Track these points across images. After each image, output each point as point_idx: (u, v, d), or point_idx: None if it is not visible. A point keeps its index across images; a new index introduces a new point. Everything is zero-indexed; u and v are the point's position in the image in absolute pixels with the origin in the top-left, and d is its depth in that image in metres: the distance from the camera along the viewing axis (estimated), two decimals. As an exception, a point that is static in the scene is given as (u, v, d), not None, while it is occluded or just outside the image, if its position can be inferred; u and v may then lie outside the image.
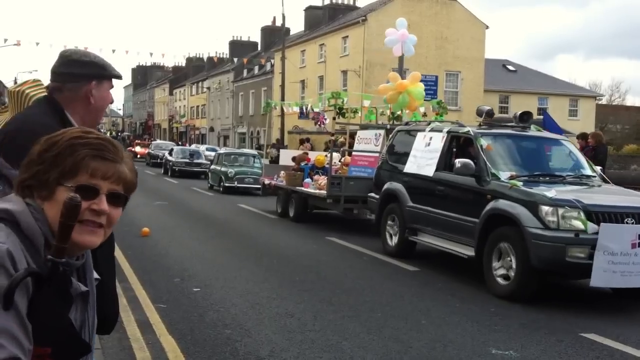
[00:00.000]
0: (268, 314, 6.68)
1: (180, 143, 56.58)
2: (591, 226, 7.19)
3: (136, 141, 60.81)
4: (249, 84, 59.59)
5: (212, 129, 69.87)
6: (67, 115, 2.39)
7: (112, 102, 2.61)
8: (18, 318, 1.34)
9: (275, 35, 57.76)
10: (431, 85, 27.04)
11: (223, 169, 23.24)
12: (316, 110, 19.35)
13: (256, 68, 58.57)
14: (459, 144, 9.64)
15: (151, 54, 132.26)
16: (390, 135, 11.86)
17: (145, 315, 6.42)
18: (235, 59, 55.36)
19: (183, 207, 17.52)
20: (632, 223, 7.34)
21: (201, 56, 78.29)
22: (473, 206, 8.51)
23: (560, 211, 7.32)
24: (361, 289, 8.10)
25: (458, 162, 8.64)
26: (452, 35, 39.99)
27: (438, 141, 9.75)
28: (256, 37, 67.84)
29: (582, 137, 13.04)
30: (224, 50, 73.00)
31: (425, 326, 6.48)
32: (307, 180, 14.62)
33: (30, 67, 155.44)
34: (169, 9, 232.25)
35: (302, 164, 15.75)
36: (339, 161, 14.85)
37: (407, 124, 12.14)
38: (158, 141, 55.31)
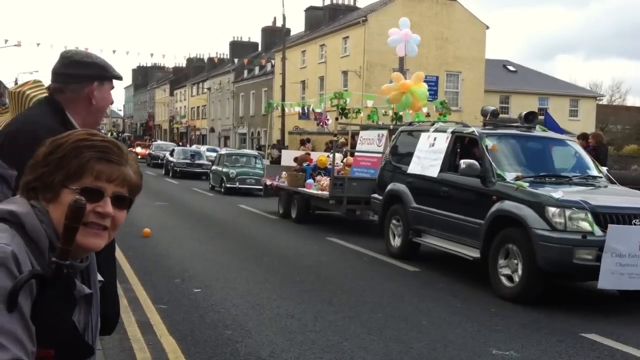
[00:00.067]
0: (269, 314, 6.68)
1: (180, 144, 56.55)
2: (598, 228, 7.13)
3: (137, 142, 60.85)
4: (249, 85, 59.60)
5: (212, 130, 69.87)
6: (68, 116, 2.39)
7: (112, 103, 2.62)
8: (22, 320, 1.34)
9: (275, 36, 57.76)
10: (432, 86, 27.06)
11: (224, 169, 23.22)
12: (318, 110, 19.35)
13: (257, 68, 58.60)
14: (463, 145, 9.57)
15: (152, 55, 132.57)
16: (394, 136, 11.79)
17: (146, 316, 6.42)
18: (236, 60, 55.42)
19: (184, 208, 17.53)
20: None
21: (202, 57, 78.35)
22: (478, 207, 8.43)
23: (568, 212, 7.25)
24: (362, 289, 8.09)
25: (463, 162, 8.56)
26: (453, 36, 40.00)
27: (442, 142, 9.67)
28: (257, 38, 67.94)
29: (583, 137, 13.02)
30: (224, 51, 73.09)
31: (425, 327, 6.48)
32: (309, 181, 14.57)
33: (31, 67, 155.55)
34: (169, 9, 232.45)
35: (304, 164, 15.69)
36: (341, 162, 14.81)
37: (410, 124, 12.09)
38: (159, 142, 55.34)
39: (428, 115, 15.93)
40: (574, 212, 7.26)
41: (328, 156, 14.99)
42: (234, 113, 63.17)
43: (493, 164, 8.43)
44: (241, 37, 70.17)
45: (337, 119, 15.01)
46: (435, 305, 7.44)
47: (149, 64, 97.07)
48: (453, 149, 9.54)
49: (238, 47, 67.34)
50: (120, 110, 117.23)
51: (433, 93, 26.70)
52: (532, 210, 7.55)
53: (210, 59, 69.43)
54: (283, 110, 31.30)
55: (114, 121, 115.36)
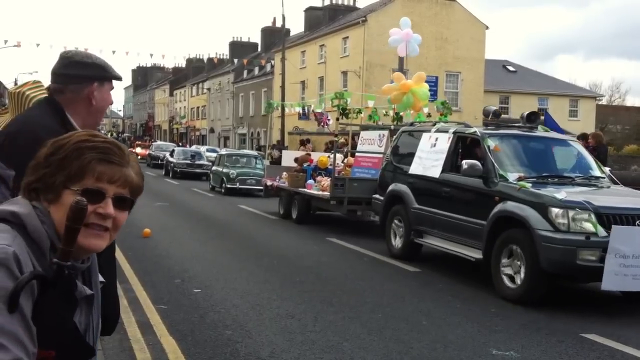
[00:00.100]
0: (269, 314, 6.68)
1: (180, 144, 56.58)
2: (602, 229, 7.08)
3: (137, 142, 60.88)
4: (249, 85, 59.62)
5: (212, 130, 69.89)
6: (68, 116, 2.39)
7: (112, 103, 2.62)
8: (23, 321, 1.34)
9: (275, 36, 57.77)
10: (431, 86, 26.95)
11: (225, 170, 23.19)
12: (318, 111, 19.32)
13: (256, 69, 58.60)
14: (465, 145, 9.53)
15: (151, 55, 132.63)
16: (395, 136, 11.74)
17: (146, 316, 6.42)
18: (236, 60, 55.38)
19: (184, 208, 17.54)
20: None
21: (201, 57, 78.35)
22: (480, 208, 8.39)
23: (571, 213, 7.20)
24: (362, 289, 8.09)
25: (465, 163, 8.51)
26: (452, 36, 40.01)
27: (444, 142, 9.62)
28: (256, 38, 67.93)
29: (582, 137, 13.02)
30: (224, 51, 73.01)
31: (426, 327, 6.48)
32: (310, 181, 14.53)
33: (30, 68, 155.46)
34: (169, 9, 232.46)
35: (305, 165, 15.66)
36: (342, 162, 14.78)
37: (411, 124, 12.06)
38: (158, 142, 55.35)
39: (429, 115, 15.90)
40: (577, 212, 7.21)
41: (329, 156, 14.97)
42: (233, 113, 63.19)
43: (495, 164, 8.37)
44: (241, 38, 70.21)
45: (338, 119, 14.99)
46: (436, 305, 7.44)
47: (149, 65, 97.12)
48: (455, 150, 9.49)
49: (238, 48, 67.35)
50: (120, 110, 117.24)
51: (433, 93, 26.61)
52: (535, 211, 7.50)
53: (210, 60, 69.43)
54: (283, 110, 31.31)
55: (113, 121, 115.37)
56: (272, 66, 52.06)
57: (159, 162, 37.97)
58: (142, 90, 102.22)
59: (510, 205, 7.88)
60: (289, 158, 17.55)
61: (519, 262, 7.66)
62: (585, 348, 6.02)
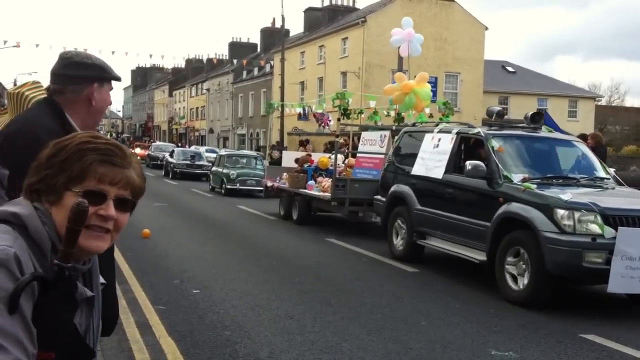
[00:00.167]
0: (268, 315, 6.68)
1: (179, 144, 56.57)
2: (608, 230, 7.01)
3: (136, 143, 60.88)
4: (248, 86, 59.61)
5: (211, 131, 69.88)
6: (67, 117, 2.39)
7: (111, 104, 2.62)
8: (23, 322, 1.34)
9: (274, 37, 57.78)
10: (431, 87, 27.01)
11: (225, 170, 23.15)
12: (319, 111, 19.31)
13: (255, 69, 58.60)
14: (468, 146, 9.44)
15: (150, 56, 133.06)
16: (397, 137, 11.65)
17: (144, 316, 6.42)
18: (235, 61, 55.37)
19: (183, 209, 17.54)
20: None
21: (200, 58, 78.38)
22: (484, 209, 8.31)
23: (577, 215, 7.11)
24: (361, 290, 8.09)
25: (469, 164, 8.42)
26: (452, 37, 40.02)
27: (447, 143, 9.54)
28: (256, 39, 67.95)
29: (582, 138, 13.01)
30: (223, 52, 73.16)
31: (424, 327, 6.48)
32: (311, 182, 14.46)
33: (30, 68, 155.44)
34: (168, 10, 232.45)
35: (305, 165, 15.60)
36: (343, 163, 14.73)
37: (414, 124, 12.01)
38: (158, 143, 55.37)
39: (431, 115, 15.87)
40: (583, 214, 7.13)
41: (329, 157, 14.93)
42: (232, 114, 63.18)
43: (499, 165, 8.30)
44: (240, 38, 70.22)
45: (339, 119, 14.95)
46: (434, 306, 7.44)
47: (148, 65, 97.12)
48: (458, 150, 9.41)
49: (237, 48, 67.36)
50: (119, 111, 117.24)
51: (432, 94, 26.67)
52: (540, 212, 7.41)
53: (209, 60, 69.47)
54: (282, 111, 31.32)
55: (112, 122, 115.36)
56: (272, 67, 52.07)
57: (159, 162, 37.95)
58: (142, 91, 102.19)
59: (514, 207, 7.80)
60: (289, 159, 17.45)
61: (523, 264, 7.58)
62: (584, 348, 6.02)
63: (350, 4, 49.67)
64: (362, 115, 17.35)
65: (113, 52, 46.70)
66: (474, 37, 40.79)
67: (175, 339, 5.72)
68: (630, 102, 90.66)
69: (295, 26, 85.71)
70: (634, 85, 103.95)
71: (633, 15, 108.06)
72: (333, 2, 49.50)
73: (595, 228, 7.08)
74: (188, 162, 31.87)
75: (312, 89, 44.93)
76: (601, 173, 8.96)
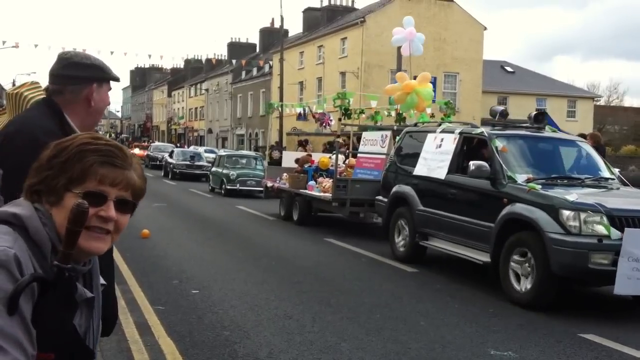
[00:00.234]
0: (267, 315, 6.68)
1: (178, 145, 56.57)
2: (614, 231, 6.95)
3: (135, 143, 60.86)
4: (247, 86, 59.62)
5: (210, 131, 69.87)
6: (66, 117, 2.39)
7: (109, 104, 2.62)
8: (22, 323, 1.34)
9: (273, 37, 57.80)
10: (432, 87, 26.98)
11: (225, 171, 23.10)
12: (320, 111, 19.28)
13: (254, 70, 58.60)
14: (471, 146, 9.35)
15: (149, 56, 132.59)
16: (398, 137, 11.57)
17: (143, 317, 6.42)
18: (234, 61, 55.34)
19: (182, 209, 17.53)
20: None
21: (199, 58, 78.29)
22: (488, 210, 8.23)
23: (582, 216, 7.04)
24: (360, 290, 8.10)
25: (472, 164, 8.32)
26: (451, 37, 40.04)
27: (450, 143, 9.46)
28: (255, 39, 67.99)
29: (581, 138, 13.03)
30: (222, 52, 73.29)
31: (424, 327, 6.49)
32: (311, 182, 14.39)
33: (28, 69, 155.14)
34: (167, 10, 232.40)
35: (306, 166, 15.54)
36: (343, 163, 14.69)
37: (416, 125, 11.93)
38: (157, 143, 55.35)
39: (432, 115, 15.83)
40: (589, 215, 7.06)
41: (330, 157, 14.90)
42: (231, 114, 63.18)
43: (503, 165, 8.22)
44: (239, 38, 70.23)
45: (340, 119, 14.93)
46: (434, 306, 7.44)
47: (147, 65, 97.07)
48: (461, 151, 9.33)
49: (236, 48, 67.35)
50: (118, 111, 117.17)
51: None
52: (545, 213, 7.33)
53: (208, 60, 69.43)
54: (282, 111, 31.30)
55: (111, 122, 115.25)
56: (271, 67, 52.07)
57: (158, 163, 37.91)
58: (140, 91, 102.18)
59: (519, 207, 7.72)
60: (289, 159, 17.38)
61: (528, 265, 7.53)
62: (583, 348, 6.03)
63: (349, 4, 49.68)
64: (363, 115, 17.32)
65: (112, 53, 46.76)
66: (473, 37, 40.81)
67: (175, 339, 5.72)
68: (629, 102, 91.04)
69: (294, 26, 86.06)
70: (632, 85, 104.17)
71: (632, 16, 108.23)
72: (332, 2, 49.52)
73: (601, 229, 7.01)
74: (188, 162, 31.79)
75: (311, 89, 44.94)
76: (606, 173, 8.88)
